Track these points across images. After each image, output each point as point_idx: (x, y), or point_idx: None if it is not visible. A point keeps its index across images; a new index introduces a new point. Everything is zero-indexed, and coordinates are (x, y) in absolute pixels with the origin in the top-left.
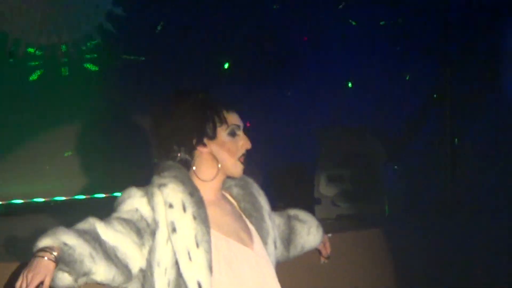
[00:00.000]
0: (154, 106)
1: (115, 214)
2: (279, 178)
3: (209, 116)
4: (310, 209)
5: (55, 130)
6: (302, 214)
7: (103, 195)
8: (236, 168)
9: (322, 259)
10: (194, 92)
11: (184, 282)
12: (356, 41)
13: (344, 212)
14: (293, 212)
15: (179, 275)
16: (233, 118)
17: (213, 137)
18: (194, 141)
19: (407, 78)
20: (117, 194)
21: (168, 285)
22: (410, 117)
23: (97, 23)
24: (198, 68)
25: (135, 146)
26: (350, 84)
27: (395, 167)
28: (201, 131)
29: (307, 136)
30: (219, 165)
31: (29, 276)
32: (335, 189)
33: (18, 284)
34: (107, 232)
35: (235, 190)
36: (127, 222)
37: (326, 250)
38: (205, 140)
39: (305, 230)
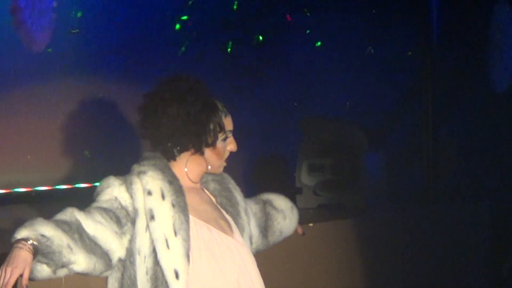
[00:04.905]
0: (151, 93)
1: (94, 204)
2: (260, 168)
3: (212, 126)
4: (291, 199)
5: (36, 119)
6: (276, 200)
7: (85, 185)
8: (220, 168)
9: (300, 231)
10: (196, 89)
11: (161, 270)
12: (336, 31)
13: (325, 202)
14: (266, 197)
15: (156, 263)
16: (229, 124)
17: (210, 145)
18: (190, 145)
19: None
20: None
21: (147, 273)
22: (391, 107)
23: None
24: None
25: (118, 135)
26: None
27: None
28: (202, 140)
29: (288, 126)
30: (209, 167)
31: (8, 270)
32: (316, 178)
33: None
34: (87, 222)
35: (212, 185)
36: (107, 211)
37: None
38: (203, 149)
39: (280, 215)
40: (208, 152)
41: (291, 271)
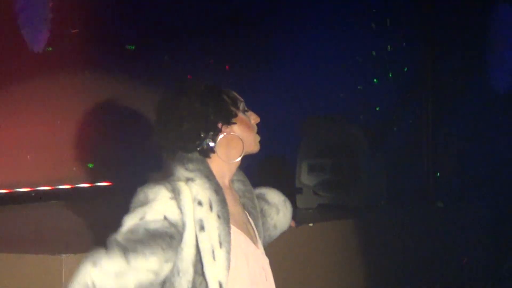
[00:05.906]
0: (160, 104)
1: (141, 227)
2: (260, 168)
3: (225, 96)
4: (291, 199)
5: (36, 119)
6: (268, 194)
7: (86, 185)
8: (256, 142)
9: (293, 224)
10: (197, 81)
11: (205, 282)
12: (337, 33)
13: (325, 202)
14: (258, 191)
15: (196, 273)
16: (238, 96)
17: (236, 115)
18: (220, 124)
19: (390, 75)
20: (102, 184)
21: (188, 282)
22: (391, 106)
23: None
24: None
25: (119, 135)
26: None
27: None
28: (225, 112)
29: (288, 126)
30: (244, 144)
31: None
32: (316, 178)
33: None
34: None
35: (237, 185)
36: (155, 239)
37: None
38: (232, 120)
39: (273, 210)
40: (237, 125)
41: (291, 271)
